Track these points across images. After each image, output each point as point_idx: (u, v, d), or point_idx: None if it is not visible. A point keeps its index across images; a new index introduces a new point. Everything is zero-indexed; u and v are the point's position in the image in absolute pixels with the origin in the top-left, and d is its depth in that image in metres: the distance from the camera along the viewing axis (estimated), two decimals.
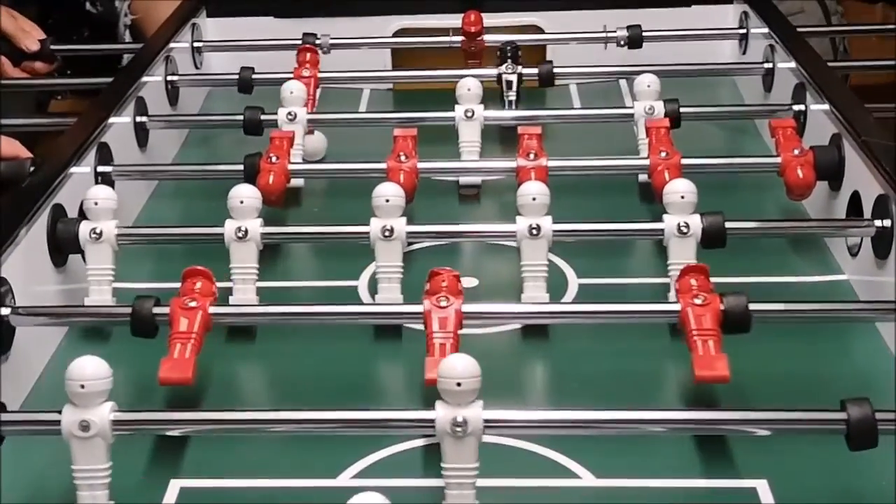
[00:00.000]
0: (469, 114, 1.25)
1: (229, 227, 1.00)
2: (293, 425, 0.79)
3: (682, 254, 0.98)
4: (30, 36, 1.60)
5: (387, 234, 0.99)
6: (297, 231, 1.08)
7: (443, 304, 0.89)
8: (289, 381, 0.96)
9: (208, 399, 0.92)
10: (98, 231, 1.01)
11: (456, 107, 1.26)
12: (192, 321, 0.89)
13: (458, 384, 0.74)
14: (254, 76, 1.43)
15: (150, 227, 1.11)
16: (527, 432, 0.84)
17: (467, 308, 0.90)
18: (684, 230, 0.98)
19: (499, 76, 1.39)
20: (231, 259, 1.00)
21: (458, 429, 0.74)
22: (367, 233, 1.00)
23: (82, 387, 0.75)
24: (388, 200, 0.99)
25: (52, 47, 1.59)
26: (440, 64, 1.53)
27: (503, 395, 0.92)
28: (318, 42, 1.52)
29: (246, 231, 1.00)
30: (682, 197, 0.99)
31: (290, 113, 1.26)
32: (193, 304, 0.90)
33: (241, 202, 1.00)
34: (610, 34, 1.51)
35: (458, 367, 0.74)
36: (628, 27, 1.50)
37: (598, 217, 1.03)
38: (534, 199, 0.99)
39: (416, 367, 0.87)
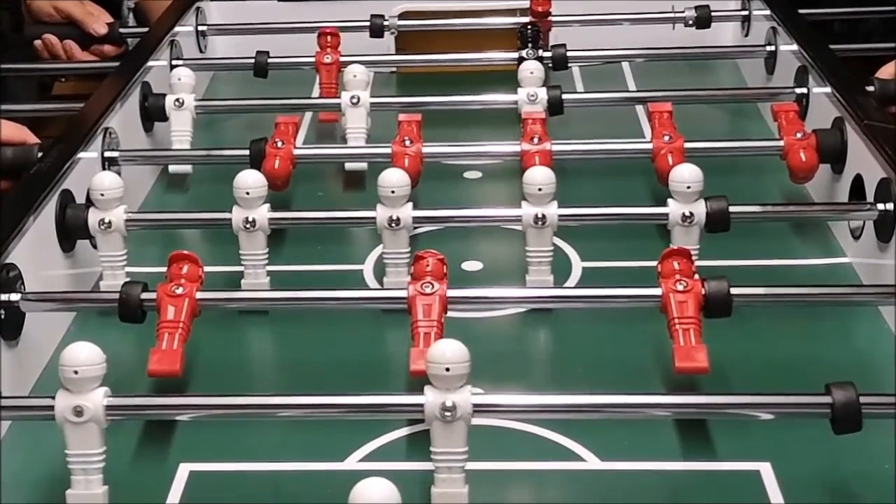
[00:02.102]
0: (532, 97, 1.25)
1: (237, 217, 1.01)
2: (283, 410, 0.80)
3: (686, 241, 0.99)
4: (98, 20, 1.61)
5: (393, 224, 1.00)
6: (304, 216, 1.08)
7: (427, 290, 0.89)
8: (297, 364, 0.97)
9: (216, 382, 0.93)
10: (107, 221, 1.02)
11: (518, 90, 1.26)
12: (180, 309, 0.89)
13: (447, 369, 0.74)
14: (269, 60, 1.44)
15: (159, 213, 1.11)
16: (518, 416, 0.84)
17: (453, 293, 0.90)
18: (689, 219, 0.99)
19: (520, 59, 1.39)
20: (241, 246, 1.01)
21: (448, 413, 0.75)
22: (374, 219, 1.00)
23: (76, 372, 0.75)
24: (393, 192, 1.00)
25: None
26: (445, 47, 1.53)
27: (507, 378, 0.93)
28: (386, 23, 1.53)
29: (254, 221, 1.00)
30: (689, 187, 0.99)
31: (353, 97, 1.26)
32: (180, 290, 0.90)
33: (248, 193, 1.00)
34: (678, 14, 1.51)
35: (447, 353, 0.75)
36: (696, 7, 1.51)
37: (602, 199, 1.04)
38: (539, 189, 0.99)
39: None
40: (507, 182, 1.23)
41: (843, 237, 1.10)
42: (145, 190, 1.25)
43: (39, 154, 1.13)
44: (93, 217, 1.02)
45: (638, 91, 1.48)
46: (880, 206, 1.01)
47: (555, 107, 1.25)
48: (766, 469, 0.81)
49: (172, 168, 1.28)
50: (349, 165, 1.25)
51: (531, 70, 1.27)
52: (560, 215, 1.00)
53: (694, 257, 0.97)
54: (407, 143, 1.13)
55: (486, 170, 1.28)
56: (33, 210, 0.98)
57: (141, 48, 1.44)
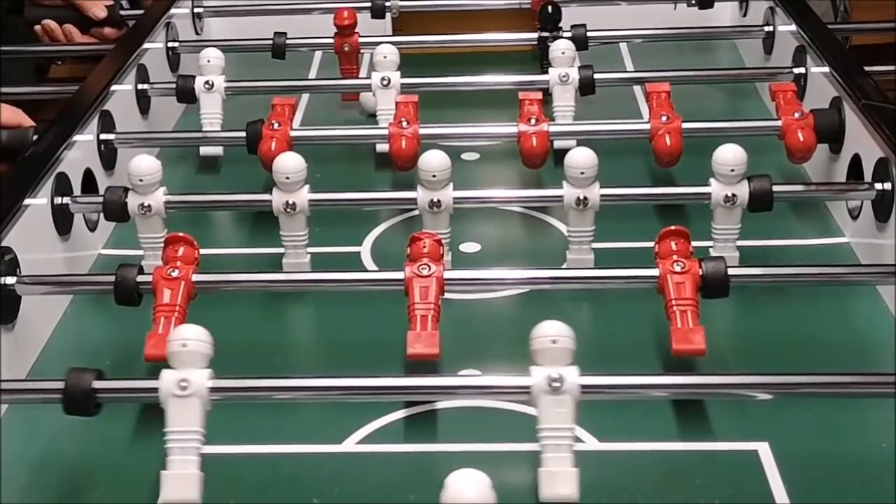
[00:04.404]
0: (564, 77, 1.24)
1: (277, 200, 1.01)
2: (339, 392, 0.80)
3: (727, 221, 1.00)
4: (97, 4, 1.60)
5: (434, 207, 1.00)
6: (344, 198, 1.07)
7: (424, 272, 0.89)
8: (313, 344, 0.98)
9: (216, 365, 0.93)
10: (147, 205, 1.02)
11: (550, 70, 1.25)
12: (176, 292, 0.89)
13: (554, 342, 0.75)
14: (287, 41, 1.43)
15: (198, 195, 1.11)
16: (515, 398, 0.83)
17: (450, 275, 0.90)
18: (731, 200, 0.99)
19: (539, 39, 1.38)
20: (281, 228, 1.02)
21: (556, 384, 0.74)
22: (415, 200, 1.01)
23: (184, 346, 0.75)
24: (434, 176, 1.00)
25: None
26: (442, 29, 1.53)
27: (504, 359, 0.93)
28: (388, 5, 1.52)
29: (294, 205, 1.00)
30: (732, 170, 0.99)
31: (384, 78, 1.26)
32: (176, 273, 0.90)
33: (287, 178, 1.00)
34: None
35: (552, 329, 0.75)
36: None
37: (601, 180, 1.03)
38: (582, 172, 0.99)
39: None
40: (505, 163, 1.22)
41: (841, 217, 1.09)
42: None
43: (35, 137, 1.13)
44: (132, 201, 1.02)
45: (636, 71, 1.47)
46: (878, 186, 1.01)
47: (586, 87, 1.24)
48: (764, 449, 0.81)
49: (203, 150, 1.28)
50: (380, 147, 1.24)
51: (562, 50, 1.26)
52: (603, 196, 1.00)
53: (736, 237, 0.99)
54: (404, 124, 1.13)
55: (484, 151, 1.28)
56: (29, 193, 0.98)
57: (136, 30, 1.43)
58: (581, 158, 1.00)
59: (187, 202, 1.07)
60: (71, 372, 0.77)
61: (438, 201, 1.00)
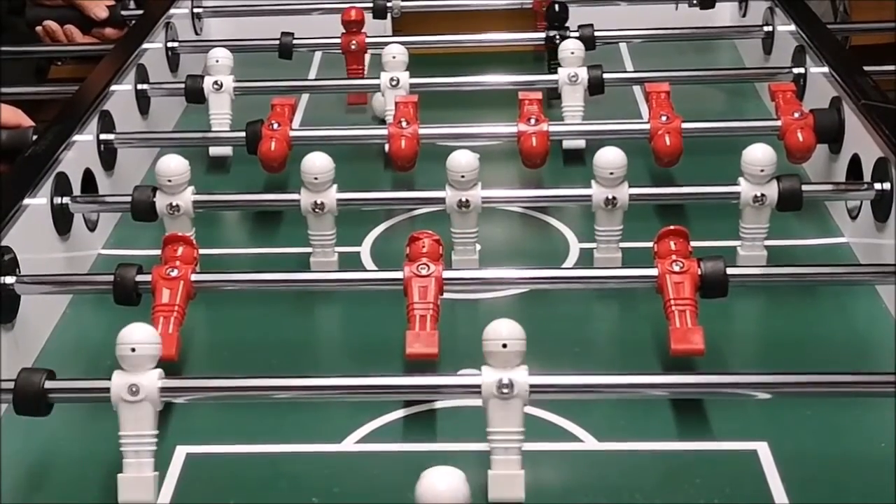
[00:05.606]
0: (573, 77, 1.24)
1: (306, 200, 1.01)
2: (289, 392, 0.80)
3: (756, 220, 1.00)
4: (99, 4, 1.60)
5: (463, 207, 1.00)
6: (373, 198, 1.08)
7: (423, 272, 0.89)
8: (302, 344, 0.97)
9: (213, 364, 0.93)
10: (175, 205, 1.02)
11: (559, 70, 1.25)
12: (175, 292, 0.89)
13: (504, 345, 0.75)
14: (294, 41, 1.43)
15: (226, 195, 1.11)
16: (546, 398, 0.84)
17: (450, 275, 0.90)
18: (760, 200, 0.99)
19: (547, 38, 1.38)
20: (309, 228, 1.02)
21: (505, 391, 0.74)
22: (443, 199, 1.01)
23: (133, 350, 0.75)
24: (463, 176, 1.00)
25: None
26: (442, 29, 1.53)
27: None
28: (389, 5, 1.52)
29: (322, 205, 1.01)
30: (762, 170, 0.99)
31: (392, 78, 1.26)
32: (175, 273, 0.90)
33: (316, 178, 1.00)
34: None
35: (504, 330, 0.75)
36: None
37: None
38: (611, 173, 0.99)
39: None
40: (504, 163, 1.22)
41: (841, 217, 1.09)
42: (140, 174, 1.24)
43: (35, 137, 1.13)
44: (161, 201, 1.02)
45: (635, 71, 1.47)
46: (877, 186, 1.01)
47: (595, 87, 1.24)
48: (763, 449, 0.81)
49: (213, 151, 1.27)
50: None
51: (571, 50, 1.26)
52: (632, 195, 1.00)
53: (764, 236, 1.00)
54: (403, 124, 1.13)
55: (484, 151, 1.27)
56: (28, 193, 0.98)
57: (136, 31, 1.43)
58: (610, 158, 1.00)
59: (216, 202, 1.08)
60: None
61: (467, 201, 1.00)
